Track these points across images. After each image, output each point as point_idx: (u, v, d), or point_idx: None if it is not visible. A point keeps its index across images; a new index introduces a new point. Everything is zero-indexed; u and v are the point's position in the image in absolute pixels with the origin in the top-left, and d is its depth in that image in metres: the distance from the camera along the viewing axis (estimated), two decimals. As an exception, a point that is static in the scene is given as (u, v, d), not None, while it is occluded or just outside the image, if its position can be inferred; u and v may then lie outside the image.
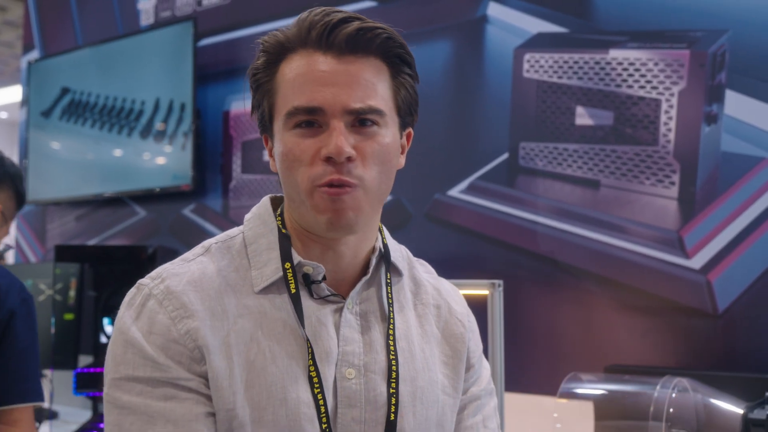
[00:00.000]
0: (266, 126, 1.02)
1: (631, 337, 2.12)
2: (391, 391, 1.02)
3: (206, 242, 1.04)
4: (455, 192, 2.47)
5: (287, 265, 0.99)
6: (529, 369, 2.26)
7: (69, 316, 3.02)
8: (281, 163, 0.98)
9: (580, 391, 1.75)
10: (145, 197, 3.43)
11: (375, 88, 0.97)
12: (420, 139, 2.56)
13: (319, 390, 0.97)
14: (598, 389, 1.75)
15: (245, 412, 0.93)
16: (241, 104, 3.05)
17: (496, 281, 1.68)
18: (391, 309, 1.06)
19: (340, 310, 1.02)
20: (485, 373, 1.18)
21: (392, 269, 1.09)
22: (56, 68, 3.82)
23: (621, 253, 2.15)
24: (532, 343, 2.27)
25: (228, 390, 0.93)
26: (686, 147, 2.07)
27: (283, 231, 1.02)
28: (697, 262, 2.05)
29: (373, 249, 1.05)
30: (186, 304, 0.95)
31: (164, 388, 0.93)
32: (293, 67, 0.97)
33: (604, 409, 1.73)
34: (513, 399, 2.11)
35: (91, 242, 3.60)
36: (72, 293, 3.04)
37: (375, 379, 1.01)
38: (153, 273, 0.99)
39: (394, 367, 1.03)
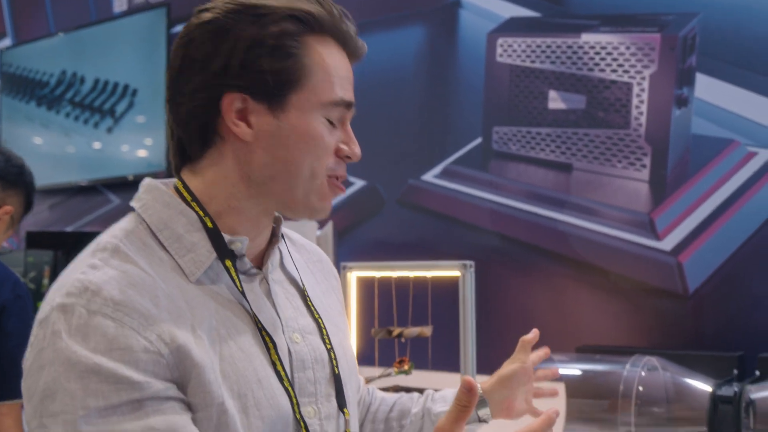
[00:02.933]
0: (273, 96, 0.95)
1: (603, 318, 2.13)
2: (328, 347, 1.04)
3: (104, 243, 0.91)
4: (429, 177, 2.47)
5: (215, 247, 0.96)
6: (502, 351, 2.27)
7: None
8: (299, 141, 0.95)
9: (550, 370, 1.76)
10: (120, 185, 3.41)
11: None
12: (393, 125, 2.58)
13: (279, 362, 0.97)
14: (568, 368, 1.76)
15: (231, 403, 0.91)
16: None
17: (468, 262, 1.68)
18: (297, 271, 1.08)
19: (263, 281, 1.02)
20: None
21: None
22: (29, 56, 3.78)
23: (593, 235, 2.16)
24: (504, 325, 2.28)
25: (215, 383, 0.89)
26: (657, 130, 2.08)
27: (197, 211, 0.96)
28: (667, 244, 2.07)
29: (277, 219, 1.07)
30: (141, 310, 0.85)
31: (146, 408, 0.83)
32: (333, 54, 0.97)
33: (574, 388, 1.74)
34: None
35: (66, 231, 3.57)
36: (45, 281, 3.02)
37: (315, 340, 1.04)
38: (68, 290, 0.84)
39: (322, 325, 1.05)
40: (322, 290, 1.13)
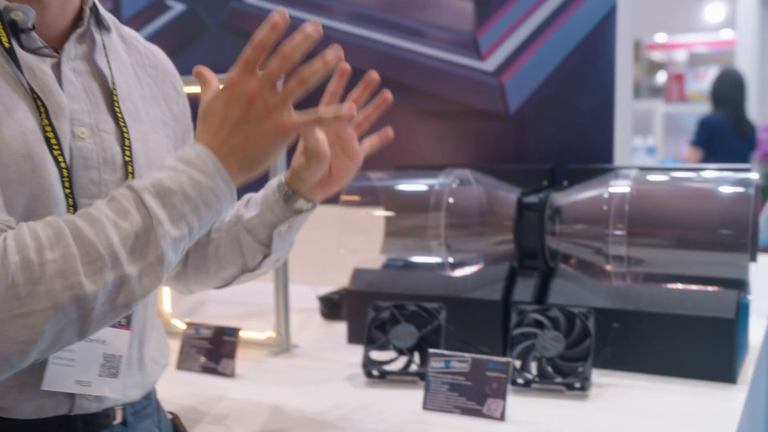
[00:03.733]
0: None
1: (427, 141, 2.12)
2: (126, 155, 0.97)
3: None
4: None
5: None
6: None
7: None
8: None
9: (364, 186, 1.73)
10: None
11: None
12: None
13: (58, 149, 0.90)
14: (381, 184, 1.74)
15: None
16: None
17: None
18: (110, 67, 1.00)
19: (58, 66, 0.94)
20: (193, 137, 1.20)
21: (101, 25, 1.02)
22: None
23: (417, 57, 2.12)
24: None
25: None
26: (480, -56, 2.02)
27: None
28: (490, 64, 2.05)
29: (85, 1, 0.98)
30: None
31: None
32: None
33: (387, 202, 1.72)
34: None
35: None
36: None
37: (109, 139, 0.96)
38: None
39: (125, 130, 0.98)
40: (144, 96, 1.05)
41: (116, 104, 0.98)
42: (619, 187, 1.50)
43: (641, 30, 8.94)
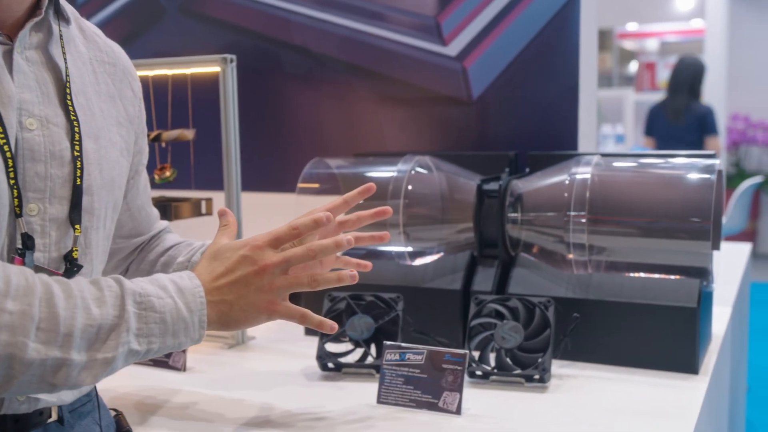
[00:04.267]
0: None
1: (389, 127, 2.08)
2: (75, 150, 0.93)
3: None
4: (213, -17, 2.28)
5: None
6: (279, 166, 2.19)
7: None
8: None
9: (322, 172, 1.69)
10: None
11: None
12: None
13: (3, 139, 0.86)
14: (340, 171, 1.69)
15: None
16: None
17: (229, 56, 1.55)
18: (65, 60, 0.96)
19: (10, 54, 0.90)
20: (146, 148, 1.18)
21: (60, 17, 0.98)
22: None
23: (378, 41, 2.07)
24: (285, 139, 2.19)
25: None
26: (443, -74, 1.97)
27: None
28: (453, 48, 2.00)
29: None
30: None
31: None
32: None
33: (346, 189, 1.67)
34: (253, 198, 2.04)
35: None
36: None
37: (58, 133, 0.92)
38: None
39: (76, 125, 0.93)
40: (99, 92, 1.01)
41: (69, 98, 0.94)
42: (581, 173, 1.47)
43: (613, 19, 8.95)
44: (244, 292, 0.95)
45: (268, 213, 2.03)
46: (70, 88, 0.95)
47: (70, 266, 0.92)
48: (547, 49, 1.90)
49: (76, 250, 0.93)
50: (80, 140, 0.94)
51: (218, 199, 1.70)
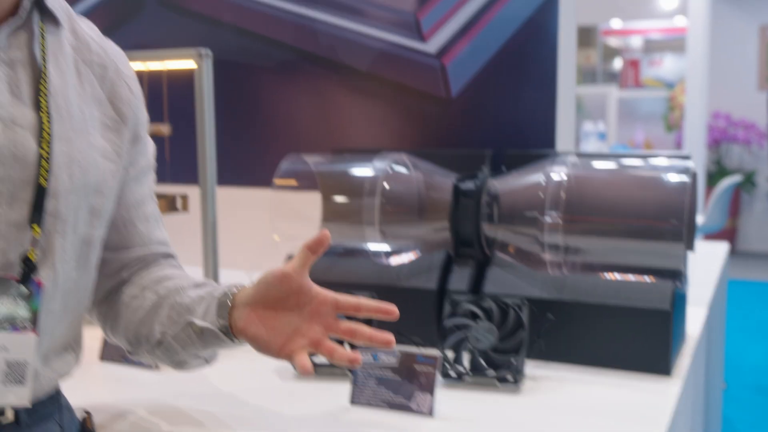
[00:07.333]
0: None
1: (365, 122, 2.06)
2: (42, 151, 0.91)
3: None
4: (192, -23, 2.26)
5: None
6: (257, 159, 2.18)
7: None
8: None
9: (299, 169, 1.68)
10: None
11: None
12: None
13: None
14: (317, 168, 1.68)
15: None
16: None
17: (204, 50, 1.53)
18: (44, 61, 0.94)
19: None
20: (151, 147, 1.14)
21: (47, 18, 0.97)
22: None
23: (356, 36, 2.06)
24: (262, 132, 2.17)
25: None
26: None
27: None
28: (432, 45, 2.00)
29: None
30: None
31: None
32: None
33: (323, 186, 1.67)
34: (229, 193, 2.03)
35: None
36: None
37: (23, 135, 0.90)
38: None
39: (46, 126, 0.92)
40: (82, 94, 0.99)
41: (42, 98, 0.93)
42: (556, 173, 1.46)
43: (597, 15, 8.96)
44: None
45: (244, 207, 2.02)
46: (46, 89, 0.93)
47: (27, 269, 0.91)
48: (526, 47, 1.89)
49: (34, 252, 0.91)
50: (50, 141, 0.92)
51: (194, 193, 1.69)
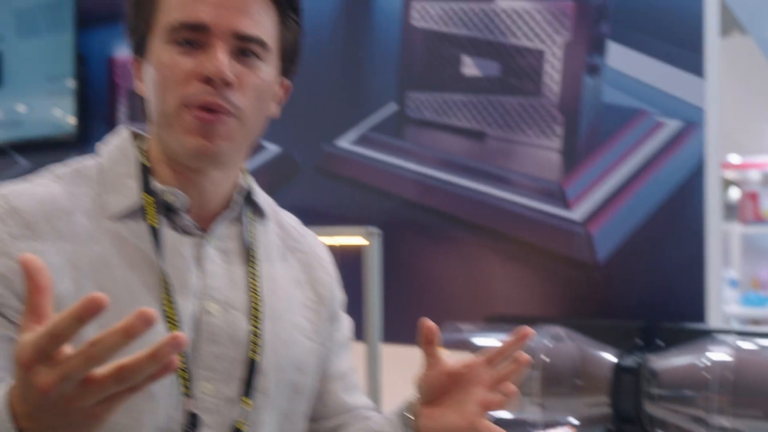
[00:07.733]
0: (140, 45, 0.97)
1: (513, 288, 2.13)
2: (253, 329, 1.00)
3: (56, 169, 0.98)
4: (345, 143, 2.42)
5: (144, 194, 0.96)
6: (410, 320, 2.26)
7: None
8: (153, 81, 0.94)
9: (457, 340, 1.74)
10: (27, 147, 3.28)
11: (263, 20, 0.94)
12: (306, 87, 2.52)
13: (173, 324, 0.93)
14: (475, 338, 1.75)
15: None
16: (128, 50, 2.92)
17: (373, 229, 1.64)
18: (253, 248, 1.04)
19: (200, 245, 0.99)
20: (347, 323, 1.20)
21: (256, 211, 1.07)
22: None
23: (504, 204, 2.15)
24: (415, 295, 2.26)
25: None
26: (569, 98, 2.07)
27: (142, 160, 0.98)
28: (577, 213, 2.07)
29: (237, 187, 1.03)
30: (31, 223, 0.90)
31: None
32: None
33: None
34: (390, 351, 2.10)
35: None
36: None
37: (237, 316, 0.99)
38: None
39: (256, 305, 1.01)
40: (288, 278, 1.08)
41: (253, 282, 1.01)
42: (720, 354, 1.48)
43: (717, 151, 8.86)
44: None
45: (401, 369, 2.08)
46: (257, 274, 1.02)
47: None
48: (673, 217, 1.94)
49: (243, 424, 0.97)
50: (260, 319, 1.00)
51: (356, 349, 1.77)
